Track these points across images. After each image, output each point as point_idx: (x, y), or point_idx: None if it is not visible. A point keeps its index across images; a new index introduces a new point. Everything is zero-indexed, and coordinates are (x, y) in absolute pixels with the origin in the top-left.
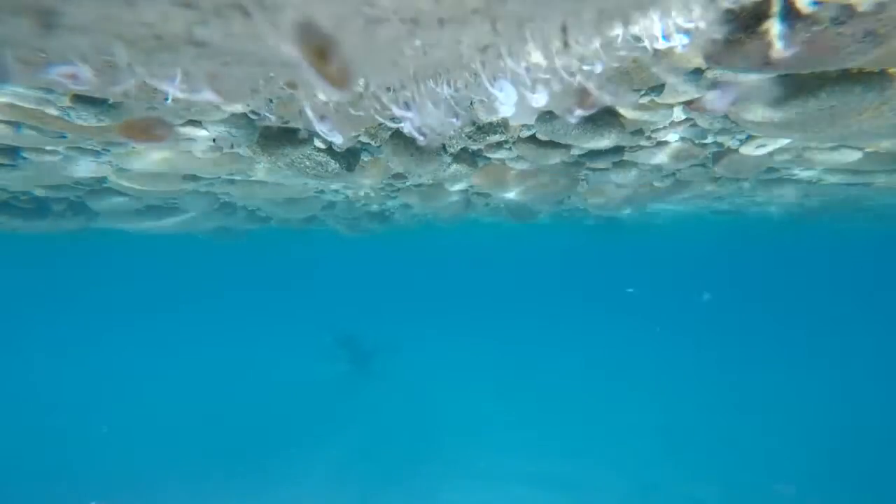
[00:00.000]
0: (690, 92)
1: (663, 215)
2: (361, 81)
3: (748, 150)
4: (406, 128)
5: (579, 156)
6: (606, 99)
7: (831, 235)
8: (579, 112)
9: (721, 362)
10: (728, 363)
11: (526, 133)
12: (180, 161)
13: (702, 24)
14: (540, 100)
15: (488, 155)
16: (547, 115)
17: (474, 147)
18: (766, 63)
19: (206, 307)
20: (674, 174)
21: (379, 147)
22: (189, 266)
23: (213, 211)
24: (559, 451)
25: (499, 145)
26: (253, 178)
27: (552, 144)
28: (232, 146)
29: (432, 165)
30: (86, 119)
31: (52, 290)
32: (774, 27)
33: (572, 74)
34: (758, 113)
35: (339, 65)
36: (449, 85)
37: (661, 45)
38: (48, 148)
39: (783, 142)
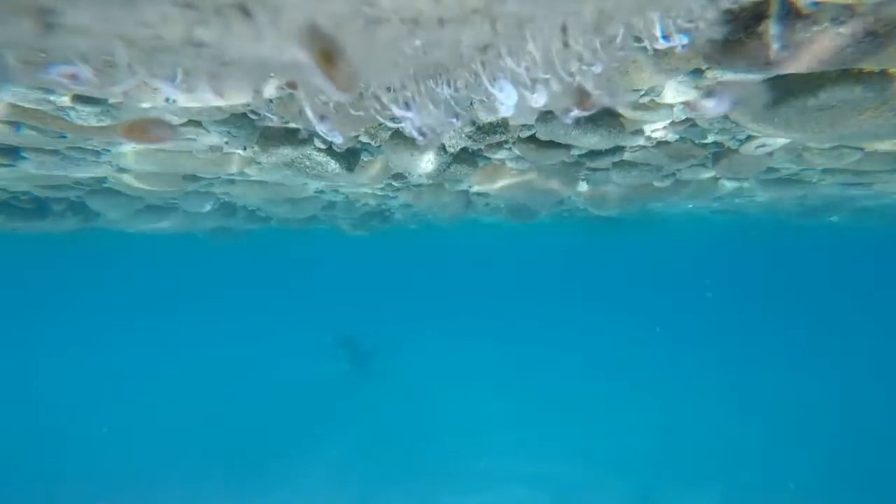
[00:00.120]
0: (690, 93)
1: (662, 214)
2: (362, 82)
3: (748, 149)
4: (406, 128)
5: (579, 156)
6: (606, 100)
7: (832, 235)
8: (579, 112)
9: (721, 363)
10: (728, 364)
11: (526, 133)
12: (179, 160)
13: (701, 25)
14: (539, 100)
15: (488, 155)
16: (547, 115)
17: (474, 147)
18: (766, 63)
19: (206, 307)
20: (673, 174)
21: (379, 147)
22: (189, 266)
23: (211, 212)
24: (559, 451)
25: (499, 145)
26: (253, 179)
27: (552, 144)
28: (245, 148)
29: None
30: (86, 119)
31: (52, 290)
32: (771, 29)
33: (572, 75)
34: (753, 123)
35: (345, 67)
36: (449, 85)
37: (660, 45)
38: (48, 148)
39: (782, 141)
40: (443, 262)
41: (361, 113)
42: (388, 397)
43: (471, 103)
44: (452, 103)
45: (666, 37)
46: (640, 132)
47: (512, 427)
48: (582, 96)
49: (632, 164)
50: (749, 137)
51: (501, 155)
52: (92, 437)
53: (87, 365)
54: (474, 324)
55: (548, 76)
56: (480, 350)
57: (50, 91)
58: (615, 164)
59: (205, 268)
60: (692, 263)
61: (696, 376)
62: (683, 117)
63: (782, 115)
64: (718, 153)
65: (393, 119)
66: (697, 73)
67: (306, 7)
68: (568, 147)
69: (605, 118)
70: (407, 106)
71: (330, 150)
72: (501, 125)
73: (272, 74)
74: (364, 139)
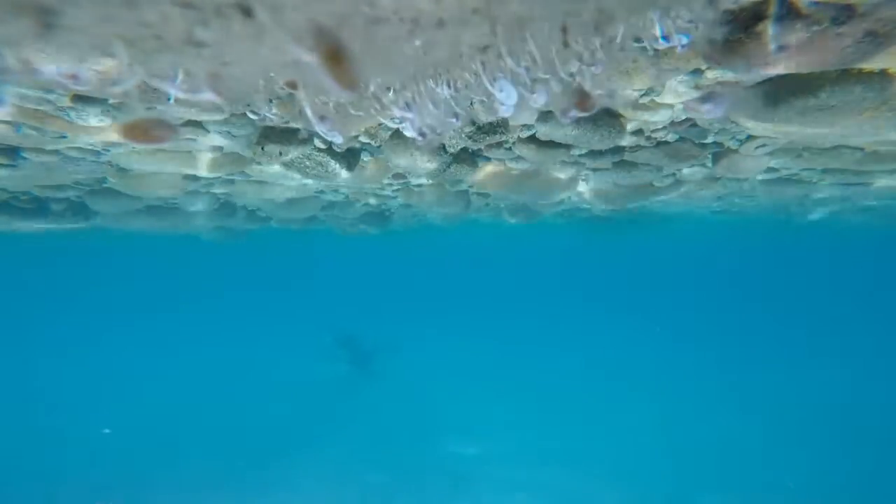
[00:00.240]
0: (689, 94)
1: (662, 214)
2: (363, 82)
3: (748, 149)
4: (407, 128)
5: (579, 156)
6: (605, 100)
7: (832, 235)
8: (578, 113)
9: (722, 363)
10: (728, 364)
11: (526, 133)
12: (181, 161)
13: (701, 25)
14: (539, 100)
15: (488, 155)
16: (547, 115)
17: (474, 147)
18: (766, 63)
19: (206, 307)
20: (673, 174)
21: (379, 147)
22: (189, 266)
23: (212, 212)
24: (559, 453)
25: (499, 145)
26: (253, 179)
27: (552, 144)
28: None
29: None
30: (86, 119)
31: (53, 290)
32: (770, 29)
33: (572, 75)
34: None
35: (351, 67)
36: (449, 85)
37: (660, 45)
38: (48, 148)
39: (782, 142)
40: (443, 263)
41: (361, 113)
42: (388, 397)
43: (471, 103)
44: (452, 103)
45: (666, 37)
46: (640, 132)
47: (512, 427)
48: (582, 96)
49: (632, 164)
50: (749, 137)
51: (501, 155)
52: (92, 437)
53: (87, 365)
54: (474, 324)
55: (548, 76)
56: (480, 350)
57: (50, 91)
58: (615, 164)
59: (205, 268)
60: (692, 263)
61: (699, 378)
62: (683, 117)
63: (782, 115)
64: (718, 153)
65: (393, 119)
66: (697, 72)
67: (306, 7)
68: (568, 147)
69: (605, 118)
70: (407, 106)
71: (330, 149)
72: (501, 125)
73: (272, 74)
74: (364, 139)
